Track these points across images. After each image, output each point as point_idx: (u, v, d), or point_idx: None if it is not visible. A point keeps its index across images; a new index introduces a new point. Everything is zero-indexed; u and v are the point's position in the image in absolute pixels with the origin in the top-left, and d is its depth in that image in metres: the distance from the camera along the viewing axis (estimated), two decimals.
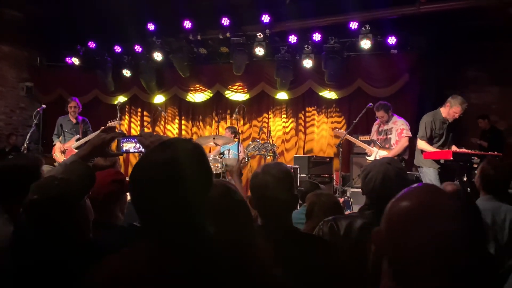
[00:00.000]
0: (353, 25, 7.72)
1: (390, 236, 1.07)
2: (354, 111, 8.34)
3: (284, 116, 9.17)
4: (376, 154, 6.33)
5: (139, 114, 10.20)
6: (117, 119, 7.73)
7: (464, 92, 8.10)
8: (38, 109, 7.09)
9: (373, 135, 6.51)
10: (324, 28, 8.09)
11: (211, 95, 9.32)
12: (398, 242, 1.05)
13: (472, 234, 1.79)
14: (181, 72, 8.99)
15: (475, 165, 5.07)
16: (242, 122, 9.10)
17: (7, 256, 1.72)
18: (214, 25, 8.53)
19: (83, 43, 9.43)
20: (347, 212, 4.85)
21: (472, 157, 5.09)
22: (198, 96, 9.38)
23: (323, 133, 8.85)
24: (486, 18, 7.44)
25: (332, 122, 8.81)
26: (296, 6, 7.82)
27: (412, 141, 6.43)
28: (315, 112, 8.97)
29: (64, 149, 7.12)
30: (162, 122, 9.99)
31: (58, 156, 7.03)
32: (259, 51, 8.27)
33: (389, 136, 6.31)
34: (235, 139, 7.49)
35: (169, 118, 9.93)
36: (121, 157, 8.28)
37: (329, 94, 8.48)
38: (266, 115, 9.28)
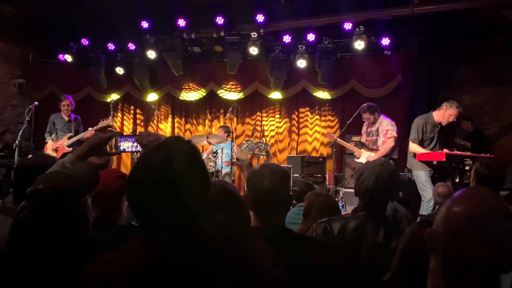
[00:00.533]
0: (347, 25, 7.75)
1: (451, 238, 1.09)
2: (348, 111, 8.37)
3: (278, 115, 9.18)
4: (364, 156, 6.38)
5: (131, 112, 10.15)
6: (110, 117, 7.71)
7: (456, 93, 8.20)
8: (31, 106, 7.06)
9: (363, 137, 6.55)
10: (318, 29, 8.11)
11: (204, 93, 9.31)
12: (461, 244, 1.08)
13: None
14: (175, 70, 8.97)
15: (467, 167, 5.13)
16: (235, 121, 9.10)
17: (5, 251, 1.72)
18: (208, 23, 8.50)
19: (76, 40, 9.36)
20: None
21: (465, 159, 5.14)
22: (192, 94, 9.36)
23: (316, 135, 8.87)
24: (478, 19, 7.49)
25: (325, 122, 8.83)
26: (291, 6, 7.83)
27: (403, 141, 6.48)
28: (308, 112, 8.99)
29: (56, 147, 7.08)
30: (155, 121, 9.96)
31: (50, 154, 6.99)
32: (253, 50, 8.27)
33: (375, 138, 6.37)
34: (229, 138, 7.49)
35: (162, 117, 9.90)
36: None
37: (322, 94, 8.51)
38: (260, 115, 9.28)
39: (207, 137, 7.06)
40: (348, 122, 6.75)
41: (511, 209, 1.10)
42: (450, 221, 1.10)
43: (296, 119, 9.07)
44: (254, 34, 8.25)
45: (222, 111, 9.40)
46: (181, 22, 8.51)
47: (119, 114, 10.03)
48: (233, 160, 6.71)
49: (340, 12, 7.60)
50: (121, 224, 2.19)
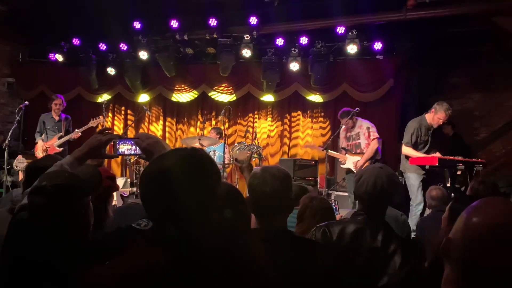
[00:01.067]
0: (340, 29, 7.79)
1: (470, 248, 1.09)
2: None
3: (270, 118, 9.18)
4: (350, 161, 6.40)
5: (122, 113, 10.09)
6: (101, 117, 7.65)
7: (446, 98, 8.24)
8: (21, 105, 6.98)
9: (342, 143, 6.57)
10: (311, 32, 8.13)
11: (196, 95, 9.28)
12: (480, 254, 1.07)
13: None
14: (167, 71, 8.93)
15: (458, 172, 5.18)
16: (227, 123, 9.09)
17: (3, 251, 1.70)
18: (201, 25, 8.49)
19: (67, 39, 9.28)
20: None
21: (457, 164, 5.18)
22: (184, 96, 9.33)
23: (307, 138, 8.89)
24: (470, 26, 7.58)
25: (317, 125, 8.86)
26: (284, 9, 7.84)
27: (394, 145, 6.52)
28: (300, 115, 9.01)
29: (47, 147, 7.00)
30: (146, 122, 9.91)
31: (41, 154, 6.92)
32: (246, 52, 8.27)
33: (358, 141, 6.41)
34: (221, 140, 7.48)
35: (154, 118, 9.85)
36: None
37: (314, 98, 8.53)
38: (252, 117, 9.28)
39: (199, 139, 7.04)
40: (337, 131, 6.72)
41: None
42: (469, 230, 1.09)
43: (288, 122, 9.08)
44: (247, 37, 8.25)
45: (214, 113, 9.39)
46: (174, 23, 8.48)
47: (110, 115, 9.96)
48: (233, 161, 6.69)
49: (333, 16, 7.63)
50: (107, 225, 2.18)
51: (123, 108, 10.07)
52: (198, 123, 9.50)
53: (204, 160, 1.30)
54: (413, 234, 4.35)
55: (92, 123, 7.33)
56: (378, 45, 7.76)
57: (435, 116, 5.60)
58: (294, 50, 8.17)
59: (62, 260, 1.61)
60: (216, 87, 9.05)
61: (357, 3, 7.28)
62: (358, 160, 6.27)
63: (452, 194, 5.02)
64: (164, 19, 8.50)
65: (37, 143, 7.17)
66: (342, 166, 6.55)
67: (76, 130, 7.19)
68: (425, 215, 4.92)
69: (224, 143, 7.25)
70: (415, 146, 5.59)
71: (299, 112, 9.02)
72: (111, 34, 8.76)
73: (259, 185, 1.85)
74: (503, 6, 6.71)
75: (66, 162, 1.96)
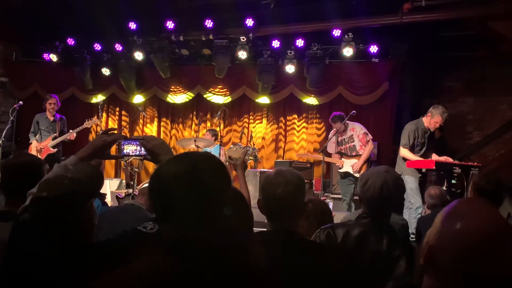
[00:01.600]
0: (336, 32, 7.80)
1: (461, 256, 1.06)
2: None
3: (265, 120, 9.17)
4: (347, 164, 6.42)
5: (117, 113, 10.03)
6: (95, 117, 7.60)
7: (440, 102, 8.30)
8: (15, 105, 6.93)
9: (334, 148, 6.59)
10: (307, 34, 8.15)
11: (191, 96, 9.25)
12: (472, 261, 1.04)
13: None
14: (162, 72, 8.90)
15: (455, 175, 5.22)
16: (222, 125, 9.06)
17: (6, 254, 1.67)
18: (197, 26, 8.47)
19: (62, 39, 9.21)
20: None
21: (454, 167, 5.22)
22: (179, 97, 9.30)
23: (302, 142, 8.89)
24: (465, 30, 7.64)
25: (312, 127, 8.86)
26: (280, 11, 7.85)
27: (388, 148, 6.55)
28: (295, 117, 9.01)
29: (41, 148, 6.94)
30: (141, 122, 9.85)
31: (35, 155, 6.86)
32: (242, 54, 8.25)
33: (352, 144, 6.44)
34: (216, 142, 7.46)
35: (148, 119, 9.81)
36: None
37: (310, 100, 8.54)
38: (247, 119, 9.26)
39: (195, 141, 7.02)
40: (333, 134, 6.72)
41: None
42: (459, 239, 1.06)
43: (284, 124, 9.08)
44: (243, 38, 8.24)
45: (209, 114, 9.37)
46: (170, 24, 8.45)
47: (104, 115, 9.90)
48: (227, 159, 6.67)
49: (329, 19, 7.65)
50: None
51: (117, 108, 10.02)
52: (193, 124, 9.47)
53: (217, 163, 1.30)
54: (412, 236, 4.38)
55: (87, 124, 7.27)
56: (374, 48, 7.78)
57: (431, 120, 5.67)
58: (290, 52, 8.17)
59: (67, 263, 1.59)
60: (211, 89, 9.03)
61: (353, 7, 7.31)
62: (356, 163, 6.29)
63: (448, 197, 5.04)
64: (160, 20, 8.47)
65: (31, 143, 7.10)
66: (339, 170, 6.56)
67: (71, 131, 7.13)
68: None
69: (220, 144, 7.23)
70: (412, 149, 5.63)
71: (294, 115, 9.02)
72: (106, 34, 8.71)
73: (272, 188, 1.86)
74: (497, 11, 6.77)
75: (70, 163, 1.94)
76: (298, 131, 8.96)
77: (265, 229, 1.92)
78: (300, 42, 8.13)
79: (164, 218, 1.23)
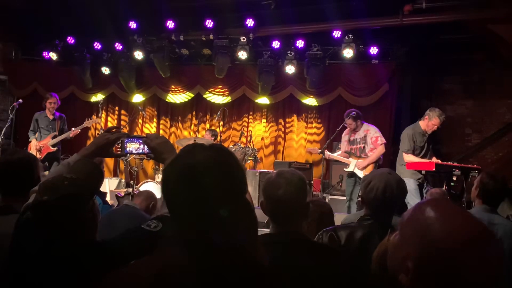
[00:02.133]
0: (336, 33, 7.81)
1: (442, 265, 1.03)
2: (334, 118, 8.46)
3: (264, 121, 9.17)
4: (353, 164, 6.39)
5: (116, 113, 10.02)
6: (94, 116, 7.59)
7: (439, 104, 8.33)
8: (15, 103, 6.92)
9: (345, 147, 6.56)
10: (307, 35, 8.15)
11: (191, 96, 9.25)
12: (457, 270, 1.02)
13: None
14: (162, 72, 8.89)
15: (454, 177, 5.23)
16: (222, 125, 9.06)
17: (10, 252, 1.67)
18: (197, 26, 8.47)
19: (61, 38, 9.19)
20: None
21: (454, 169, 5.23)
22: (178, 97, 9.29)
23: (301, 141, 8.90)
24: (464, 32, 7.66)
25: (311, 128, 8.86)
26: (280, 12, 7.85)
27: (393, 153, 6.54)
28: (295, 118, 9.01)
29: (40, 146, 6.92)
30: (140, 122, 9.84)
31: (34, 154, 6.84)
32: (242, 54, 8.25)
33: (363, 145, 6.40)
34: (216, 142, 7.45)
35: (147, 119, 9.79)
36: None
37: (310, 101, 8.55)
38: (246, 119, 9.26)
39: (194, 140, 7.01)
40: (334, 133, 6.72)
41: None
42: (439, 248, 1.03)
43: (283, 124, 9.08)
44: (243, 39, 8.23)
45: (208, 114, 9.36)
46: (170, 24, 8.44)
47: (103, 114, 9.88)
48: None
49: (329, 20, 7.65)
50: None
51: (116, 108, 10.01)
52: (193, 125, 9.47)
53: (233, 156, 1.28)
54: None
55: (87, 123, 7.26)
56: (374, 50, 7.80)
57: (429, 122, 5.70)
58: (290, 53, 8.17)
59: (72, 263, 1.58)
60: (211, 89, 9.03)
61: (353, 8, 7.32)
62: (361, 161, 6.24)
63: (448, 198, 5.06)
64: (160, 19, 8.47)
65: (30, 142, 7.08)
66: (345, 169, 6.53)
67: (73, 129, 7.12)
68: None
69: None
70: (412, 153, 5.65)
71: (294, 115, 9.02)
72: (106, 33, 8.70)
73: (274, 190, 1.84)
74: (497, 14, 6.79)
75: (73, 161, 1.93)
76: (297, 133, 8.96)
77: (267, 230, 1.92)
78: (300, 43, 8.13)
79: (172, 217, 1.22)
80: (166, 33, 8.65)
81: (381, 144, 6.25)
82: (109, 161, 9.43)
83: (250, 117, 9.26)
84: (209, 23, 8.26)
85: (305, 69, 8.14)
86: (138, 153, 2.10)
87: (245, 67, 8.77)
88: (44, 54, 9.32)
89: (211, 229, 1.16)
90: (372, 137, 6.30)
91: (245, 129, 9.05)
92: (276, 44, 8.22)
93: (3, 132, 6.52)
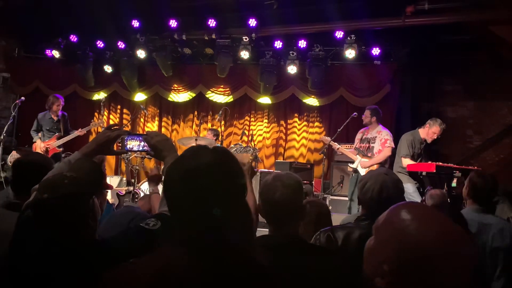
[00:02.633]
0: (339, 34, 7.82)
1: (408, 265, 1.05)
2: (335, 119, 8.47)
3: (266, 120, 9.19)
4: (358, 162, 6.40)
5: (118, 111, 10.04)
6: (98, 115, 7.62)
7: (440, 105, 8.37)
8: (17, 101, 6.94)
9: (356, 144, 6.59)
10: (309, 36, 8.16)
11: (193, 95, 9.27)
12: (418, 273, 1.04)
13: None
14: (164, 71, 8.91)
15: (454, 179, 5.26)
16: (223, 124, 9.09)
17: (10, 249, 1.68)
18: (200, 25, 8.49)
19: (64, 36, 9.23)
20: None
21: (454, 171, 5.25)
22: (180, 96, 9.31)
23: (303, 141, 8.91)
24: (466, 34, 7.66)
25: (313, 128, 8.87)
26: (283, 12, 7.86)
27: (393, 155, 6.54)
28: (296, 118, 9.02)
29: (46, 147, 6.94)
30: (142, 121, 9.87)
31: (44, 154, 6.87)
32: (244, 54, 8.27)
33: (372, 145, 6.40)
34: (217, 141, 7.47)
35: (149, 117, 9.82)
36: None
37: (311, 101, 8.55)
38: (248, 119, 9.28)
39: (196, 140, 7.03)
40: (339, 129, 6.74)
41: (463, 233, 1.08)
42: (419, 249, 1.05)
43: (284, 125, 9.10)
44: (245, 38, 8.25)
45: (210, 114, 9.38)
46: (173, 23, 8.46)
47: (105, 113, 9.91)
48: None
49: (332, 21, 7.64)
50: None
51: (118, 106, 10.03)
52: (194, 123, 9.48)
53: (234, 158, 1.30)
54: None
55: (93, 125, 7.32)
56: (376, 51, 7.80)
57: (429, 130, 5.76)
58: (292, 53, 8.18)
59: (72, 261, 1.60)
60: (213, 88, 9.05)
61: (356, 9, 7.32)
62: (365, 161, 6.26)
63: (448, 200, 5.07)
64: (163, 18, 8.49)
65: (34, 142, 7.10)
66: (350, 165, 6.55)
67: (80, 129, 7.15)
68: None
69: (221, 144, 7.24)
70: (411, 158, 5.69)
71: (295, 115, 9.03)
72: (109, 32, 8.73)
73: (270, 193, 1.86)
74: (499, 15, 6.79)
75: (74, 159, 1.95)
76: (298, 133, 8.98)
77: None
78: (302, 43, 8.14)
79: (172, 216, 1.24)
80: (169, 32, 8.67)
81: (388, 147, 6.22)
82: (111, 160, 9.48)
83: (252, 116, 9.27)
84: (211, 23, 8.27)
85: (307, 69, 8.15)
86: (138, 150, 2.12)
87: (247, 66, 8.79)
88: (47, 52, 9.35)
89: (211, 229, 1.17)
90: (382, 139, 6.29)
91: (247, 128, 9.07)
92: (278, 44, 8.23)
93: (5, 129, 6.55)
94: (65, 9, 8.41)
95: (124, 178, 8.36)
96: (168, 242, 1.27)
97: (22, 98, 7.19)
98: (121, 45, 8.95)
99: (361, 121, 6.69)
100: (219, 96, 9.05)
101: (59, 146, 7.05)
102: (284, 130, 9.09)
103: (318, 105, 8.61)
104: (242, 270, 1.19)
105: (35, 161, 2.46)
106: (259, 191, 1.94)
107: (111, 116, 10.01)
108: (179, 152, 1.49)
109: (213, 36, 8.44)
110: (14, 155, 7.25)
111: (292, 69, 8.18)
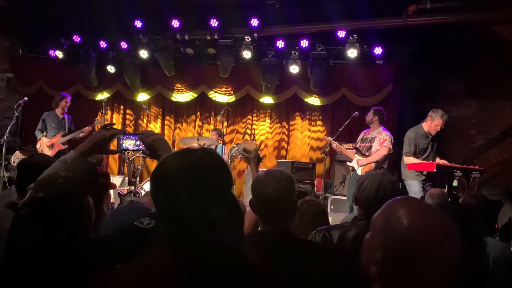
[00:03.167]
0: (341, 33, 7.81)
1: (398, 257, 1.08)
2: (337, 118, 8.46)
3: (268, 120, 9.19)
4: (355, 160, 6.42)
5: (121, 111, 10.07)
6: (101, 115, 7.65)
7: (443, 105, 8.30)
8: (20, 101, 6.98)
9: (358, 143, 6.60)
10: (311, 35, 8.15)
11: (195, 95, 9.29)
12: (410, 263, 1.06)
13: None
14: (167, 71, 8.93)
15: (456, 179, 5.23)
16: (226, 124, 9.11)
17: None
18: (202, 25, 8.50)
19: (67, 36, 9.27)
20: None
21: (455, 170, 5.23)
22: (183, 96, 9.33)
23: (305, 139, 8.90)
24: (468, 34, 7.63)
25: (315, 128, 8.87)
26: (285, 12, 7.86)
27: (396, 154, 6.54)
28: (298, 118, 9.03)
29: (52, 143, 6.99)
30: (145, 121, 9.89)
31: (46, 151, 6.90)
32: (247, 54, 8.27)
33: (371, 144, 6.41)
34: (220, 141, 7.49)
35: (152, 117, 9.85)
36: None
37: (313, 101, 8.55)
38: (250, 119, 9.29)
39: (198, 139, 7.05)
40: (340, 129, 6.76)
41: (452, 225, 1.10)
42: (396, 239, 1.08)
43: (287, 125, 9.10)
44: (247, 38, 8.26)
45: (213, 113, 9.40)
46: (175, 23, 8.48)
47: (108, 113, 9.95)
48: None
49: (334, 20, 7.63)
50: (104, 223, 2.18)
51: (121, 106, 10.06)
52: (196, 123, 9.50)
53: (220, 158, 1.31)
54: None
55: (96, 123, 7.36)
56: (378, 50, 7.79)
57: (432, 123, 5.70)
58: (294, 53, 8.19)
59: (66, 259, 1.60)
60: (215, 88, 9.06)
61: (358, 8, 7.31)
62: (362, 159, 6.27)
63: (449, 199, 5.06)
64: (165, 18, 8.51)
65: (39, 140, 7.14)
66: (348, 163, 6.57)
67: (84, 129, 7.19)
68: None
69: (223, 144, 7.25)
70: (414, 155, 5.66)
71: (297, 115, 9.03)
72: (112, 32, 8.75)
73: (262, 188, 1.87)
74: (502, 15, 6.77)
75: (70, 157, 1.96)
76: (301, 132, 8.97)
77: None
78: (304, 43, 8.14)
79: (163, 216, 1.24)
80: (171, 32, 8.69)
81: (385, 147, 6.19)
82: (113, 160, 9.51)
83: (254, 116, 9.28)
84: (213, 23, 8.28)
85: (309, 69, 8.15)
86: (134, 149, 2.13)
87: (249, 66, 8.79)
88: (50, 52, 9.40)
89: (200, 229, 1.18)
90: (381, 139, 6.29)
91: (249, 127, 9.08)
92: (280, 43, 8.23)
93: (8, 129, 6.58)
94: (68, 9, 8.45)
95: (127, 178, 8.39)
96: (160, 242, 1.28)
97: (25, 98, 7.23)
98: (124, 45, 8.98)
99: (363, 120, 6.70)
100: (221, 96, 9.06)
101: (64, 143, 7.08)
102: (286, 129, 9.09)
103: (320, 104, 8.60)
104: (232, 271, 1.19)
105: (39, 162, 2.46)
106: (251, 186, 1.95)
107: (114, 116, 10.04)
108: None
109: (215, 36, 8.45)
110: (17, 155, 7.30)
111: (294, 69, 8.18)
